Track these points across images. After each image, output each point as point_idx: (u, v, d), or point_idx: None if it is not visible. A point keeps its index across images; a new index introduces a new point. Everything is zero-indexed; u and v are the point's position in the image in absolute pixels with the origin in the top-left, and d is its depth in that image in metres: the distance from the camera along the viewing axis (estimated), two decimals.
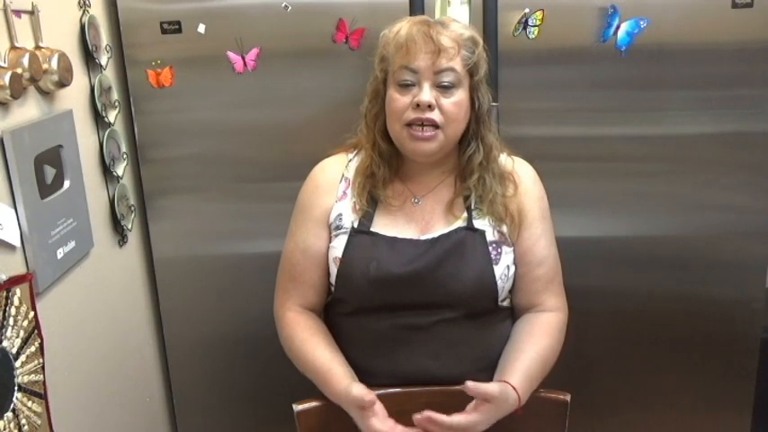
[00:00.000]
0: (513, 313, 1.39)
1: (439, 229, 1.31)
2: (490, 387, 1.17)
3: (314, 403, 1.31)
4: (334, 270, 1.31)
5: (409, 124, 1.24)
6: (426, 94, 1.22)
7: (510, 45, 1.59)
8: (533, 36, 1.59)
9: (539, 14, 1.58)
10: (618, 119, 1.66)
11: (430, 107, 1.22)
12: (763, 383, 1.81)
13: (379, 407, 1.19)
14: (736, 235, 1.72)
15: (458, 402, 1.23)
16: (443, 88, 1.23)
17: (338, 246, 1.31)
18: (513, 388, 1.20)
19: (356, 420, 1.22)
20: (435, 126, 1.24)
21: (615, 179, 1.69)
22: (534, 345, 1.29)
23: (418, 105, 1.22)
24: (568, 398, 1.31)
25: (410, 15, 1.52)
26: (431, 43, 1.22)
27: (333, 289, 1.34)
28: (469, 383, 1.14)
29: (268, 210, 1.70)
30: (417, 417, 1.15)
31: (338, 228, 1.32)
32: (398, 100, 1.25)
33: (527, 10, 1.58)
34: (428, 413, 1.14)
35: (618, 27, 1.58)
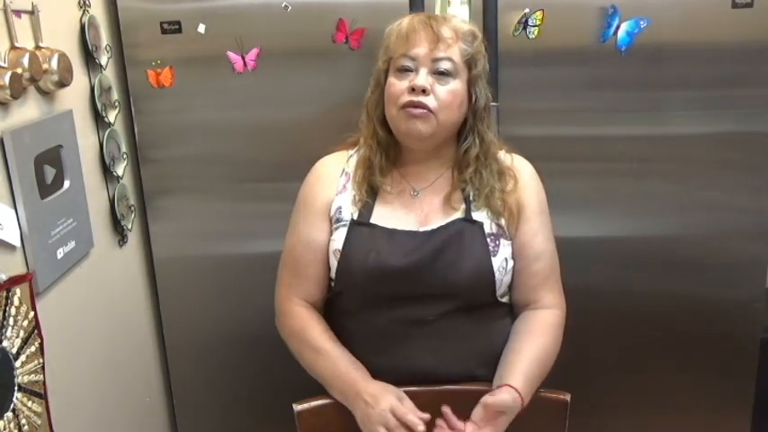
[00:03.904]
0: (513, 311, 1.39)
1: (437, 221, 1.32)
2: (504, 397, 1.20)
3: (314, 403, 1.31)
4: (334, 263, 1.32)
5: (404, 107, 1.26)
6: (422, 78, 1.25)
7: (510, 45, 1.59)
8: (533, 36, 1.59)
9: (539, 14, 1.58)
10: (618, 119, 1.66)
11: (424, 92, 1.25)
12: (763, 383, 1.81)
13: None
14: (736, 235, 1.72)
15: (458, 402, 1.24)
16: (440, 75, 1.26)
17: (338, 238, 1.32)
18: (517, 390, 1.21)
19: (358, 411, 1.24)
20: (429, 110, 1.26)
21: (615, 179, 1.70)
22: (532, 344, 1.29)
23: (414, 89, 1.25)
24: (568, 398, 1.31)
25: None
26: (430, 32, 1.26)
27: (333, 284, 1.35)
28: (488, 399, 1.19)
29: (268, 210, 1.70)
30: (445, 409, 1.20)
31: (338, 221, 1.34)
32: (395, 84, 1.28)
33: (527, 10, 1.58)
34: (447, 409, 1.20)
35: (618, 27, 1.58)
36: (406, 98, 1.26)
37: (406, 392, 1.27)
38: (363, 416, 1.23)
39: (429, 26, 1.26)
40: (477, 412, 1.21)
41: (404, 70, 1.27)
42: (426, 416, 1.21)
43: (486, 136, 1.33)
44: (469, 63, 1.28)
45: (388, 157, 1.34)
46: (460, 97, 1.28)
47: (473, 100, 1.30)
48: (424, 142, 1.31)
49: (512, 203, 1.32)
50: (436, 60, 1.26)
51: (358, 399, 1.24)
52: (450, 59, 1.26)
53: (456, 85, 1.27)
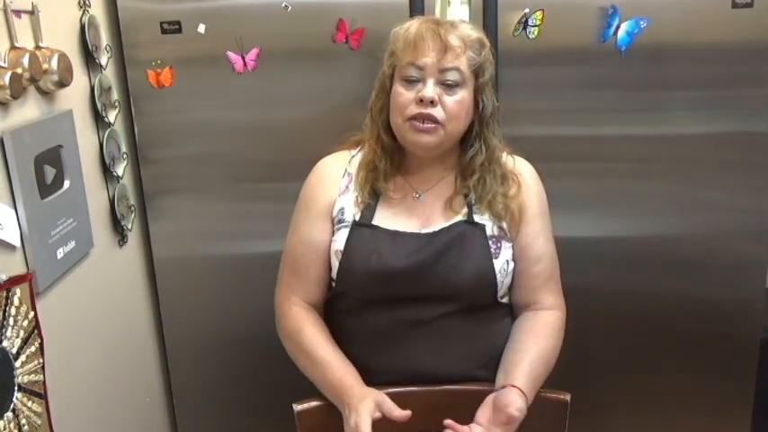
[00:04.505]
0: (512, 311, 1.39)
1: (439, 223, 1.32)
2: (518, 401, 1.18)
3: (314, 403, 1.31)
4: (335, 264, 1.32)
5: (411, 118, 1.26)
6: (429, 90, 1.24)
7: (510, 45, 1.59)
8: (533, 36, 1.59)
9: (539, 14, 1.58)
10: (618, 119, 1.66)
11: (432, 103, 1.24)
12: (763, 383, 1.81)
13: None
14: (736, 235, 1.72)
15: (458, 402, 1.24)
16: (447, 86, 1.25)
17: (340, 239, 1.32)
18: (523, 392, 1.21)
19: (347, 417, 1.23)
20: (436, 122, 1.25)
21: (615, 179, 1.69)
22: (537, 345, 1.29)
23: (421, 101, 1.24)
24: (568, 398, 1.31)
25: (410, 15, 1.53)
26: (438, 41, 1.24)
27: (334, 284, 1.35)
28: (504, 401, 1.17)
29: (268, 210, 1.70)
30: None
31: (340, 221, 1.33)
32: (402, 94, 1.27)
33: (527, 10, 1.58)
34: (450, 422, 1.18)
35: (618, 27, 1.58)
36: (414, 110, 1.25)
37: (406, 393, 1.27)
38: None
39: (437, 34, 1.24)
40: (484, 414, 1.20)
41: (411, 80, 1.26)
42: (405, 413, 1.19)
43: (492, 141, 1.32)
44: (477, 72, 1.27)
45: (392, 162, 1.34)
46: (467, 107, 1.28)
47: (480, 107, 1.30)
48: (430, 152, 1.31)
49: (513, 207, 1.32)
50: (444, 71, 1.24)
51: (344, 409, 1.24)
52: (457, 69, 1.25)
53: (463, 95, 1.26)
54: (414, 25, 1.28)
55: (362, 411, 1.19)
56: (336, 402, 1.27)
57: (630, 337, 1.79)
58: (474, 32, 1.28)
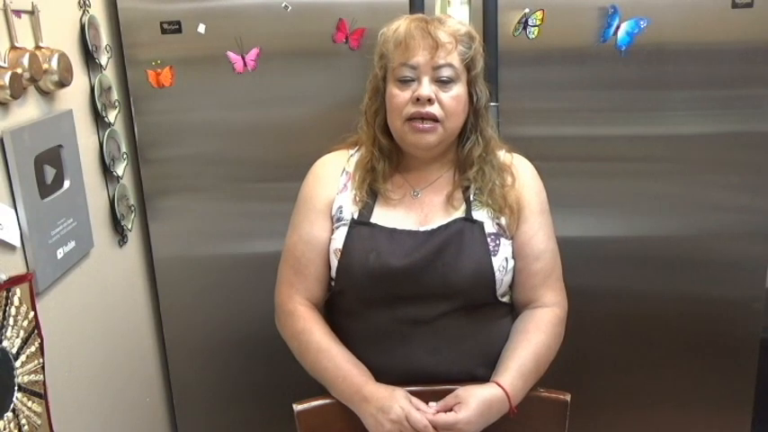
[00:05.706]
0: (513, 311, 1.39)
1: (437, 220, 1.32)
2: (449, 396, 1.24)
3: (314, 403, 1.31)
4: (334, 262, 1.32)
5: (410, 119, 1.26)
6: (426, 88, 1.24)
7: (510, 45, 1.59)
8: (533, 36, 1.59)
9: (539, 14, 1.58)
10: (618, 119, 1.66)
11: (430, 101, 1.25)
12: (763, 383, 1.81)
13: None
14: (736, 235, 1.72)
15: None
16: (442, 83, 1.26)
17: (338, 237, 1.32)
18: (501, 387, 1.23)
19: (368, 417, 1.23)
20: (435, 120, 1.26)
21: (615, 179, 1.70)
22: (527, 342, 1.30)
23: (418, 100, 1.25)
24: (568, 398, 1.31)
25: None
26: (429, 39, 1.24)
27: (333, 283, 1.35)
28: (434, 405, 1.23)
29: (268, 210, 1.70)
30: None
31: (339, 220, 1.34)
32: (399, 95, 1.27)
33: (527, 10, 1.58)
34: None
35: (618, 27, 1.58)
36: (412, 109, 1.26)
37: (408, 392, 1.27)
38: (375, 423, 1.22)
39: (427, 32, 1.25)
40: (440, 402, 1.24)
41: (405, 80, 1.26)
42: (438, 407, 1.23)
43: (487, 133, 1.33)
44: (469, 65, 1.28)
45: (390, 163, 1.34)
46: (464, 101, 1.28)
47: (474, 100, 1.30)
48: (432, 151, 1.31)
49: (512, 201, 1.32)
50: (437, 68, 1.25)
51: (366, 404, 1.23)
52: (450, 65, 1.25)
53: (459, 90, 1.27)
54: (402, 25, 1.28)
55: (404, 401, 1.21)
56: (351, 397, 1.26)
57: (630, 336, 1.79)
58: (462, 26, 1.29)
